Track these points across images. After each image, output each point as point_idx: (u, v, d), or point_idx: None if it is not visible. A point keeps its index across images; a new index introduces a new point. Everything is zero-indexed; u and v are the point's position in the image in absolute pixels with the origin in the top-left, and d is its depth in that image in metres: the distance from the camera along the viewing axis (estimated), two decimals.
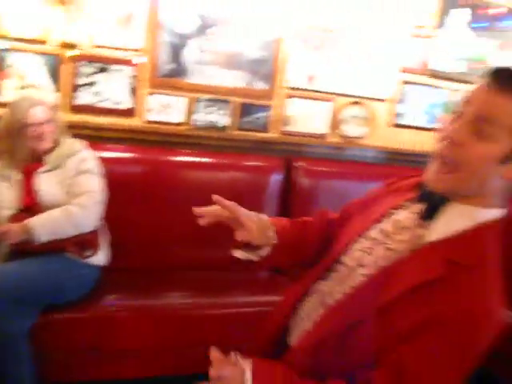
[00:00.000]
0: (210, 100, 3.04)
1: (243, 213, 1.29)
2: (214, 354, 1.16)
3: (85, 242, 2.41)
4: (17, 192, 2.35)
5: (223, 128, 3.11)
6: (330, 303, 1.23)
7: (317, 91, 3.26)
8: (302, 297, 1.37)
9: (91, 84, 2.81)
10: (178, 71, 2.94)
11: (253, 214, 1.31)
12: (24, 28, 2.58)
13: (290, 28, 3.07)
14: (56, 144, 2.47)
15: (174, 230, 2.94)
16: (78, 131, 2.64)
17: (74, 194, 2.41)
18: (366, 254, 1.21)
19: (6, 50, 2.58)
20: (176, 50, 2.90)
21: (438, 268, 1.04)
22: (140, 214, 2.82)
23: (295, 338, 1.32)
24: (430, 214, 1.12)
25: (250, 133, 3.18)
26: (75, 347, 2.40)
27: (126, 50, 2.82)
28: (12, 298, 2.15)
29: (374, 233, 1.23)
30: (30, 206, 2.37)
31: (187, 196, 2.94)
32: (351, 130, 3.40)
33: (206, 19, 2.91)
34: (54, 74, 2.71)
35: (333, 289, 1.26)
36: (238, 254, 1.41)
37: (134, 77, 2.87)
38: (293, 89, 3.20)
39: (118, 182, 2.64)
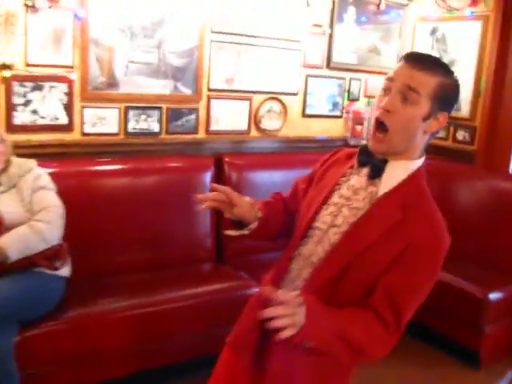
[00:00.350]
0: (140, 108, 3.21)
1: (235, 195, 1.54)
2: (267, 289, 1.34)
3: (54, 255, 2.50)
4: None
5: (155, 134, 3.29)
6: (315, 262, 1.50)
7: (236, 91, 3.54)
8: (287, 263, 1.60)
9: (27, 103, 2.87)
10: (109, 83, 3.09)
11: (241, 195, 1.56)
12: None
13: (206, 36, 3.33)
14: (7, 165, 2.52)
15: (116, 235, 3.06)
16: (19, 151, 2.69)
17: (35, 210, 2.49)
18: (334, 216, 1.50)
19: None
20: (105, 64, 3.03)
21: (396, 212, 1.37)
22: (81, 224, 2.85)
23: None
24: (375, 174, 1.44)
25: (181, 135, 3.40)
26: (55, 358, 2.47)
27: (58, 67, 2.92)
28: (2, 316, 2.22)
29: (335, 199, 1.52)
30: None
31: (127, 201, 3.10)
32: (269, 123, 3.71)
33: (131, 33, 3.07)
34: None
35: (314, 250, 1.51)
36: (232, 232, 1.63)
37: (68, 92, 2.96)
38: (215, 91, 3.44)
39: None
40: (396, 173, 1.42)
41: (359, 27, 3.97)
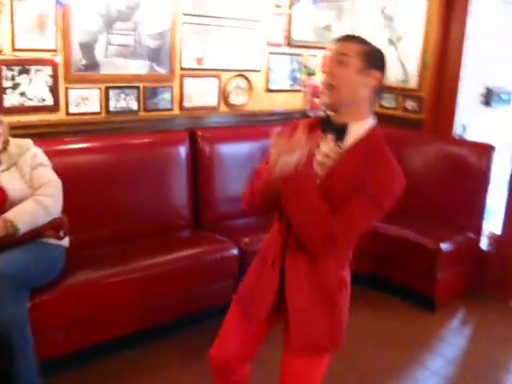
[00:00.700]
0: (119, 88, 3.44)
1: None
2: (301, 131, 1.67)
3: (58, 226, 2.73)
4: None
5: (134, 111, 3.53)
6: None
7: (205, 69, 3.82)
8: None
9: (16, 86, 3.05)
10: (90, 65, 3.30)
11: None
12: None
13: (178, 18, 3.59)
14: (6, 145, 2.72)
15: (101, 209, 3.29)
16: (10, 132, 2.87)
17: (36, 186, 2.70)
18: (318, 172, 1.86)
19: None
20: (87, 47, 3.24)
21: (360, 159, 1.74)
22: (68, 198, 2.94)
23: None
24: (339, 136, 1.78)
25: (157, 112, 3.66)
26: (61, 321, 2.72)
27: (43, 51, 3.11)
28: (14, 285, 2.46)
29: (315, 163, 1.85)
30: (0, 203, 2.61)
31: (110, 176, 3.34)
32: (236, 99, 4.01)
33: (109, 17, 3.28)
34: None
35: None
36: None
37: (53, 75, 3.15)
38: (187, 70, 3.71)
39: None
40: (355, 132, 1.78)
41: (315, 6, 4.28)
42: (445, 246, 3.61)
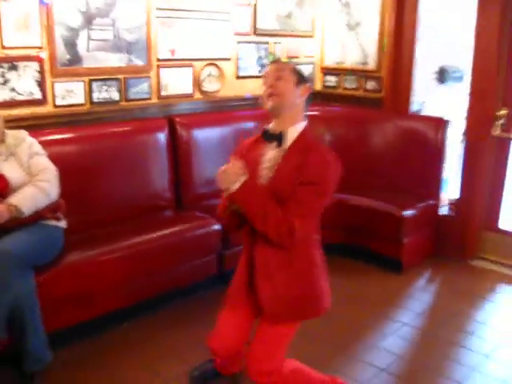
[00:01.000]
0: (101, 80, 3.71)
1: None
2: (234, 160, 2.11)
3: (57, 208, 3.00)
4: None
5: (116, 101, 3.81)
6: None
7: (179, 60, 4.12)
8: None
9: (6, 82, 3.29)
10: (74, 60, 3.56)
11: None
12: None
13: (152, 13, 3.89)
14: (3, 137, 2.96)
15: (89, 194, 3.56)
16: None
17: (33, 173, 2.95)
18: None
19: None
20: (70, 42, 3.50)
21: (296, 159, 2.09)
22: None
23: None
24: (279, 142, 2.14)
25: (137, 102, 3.95)
26: (63, 297, 2.98)
27: (29, 48, 3.37)
28: (22, 264, 2.71)
29: (263, 172, 2.23)
30: (1, 190, 2.85)
31: (96, 163, 3.60)
32: (209, 86, 4.32)
33: (89, 14, 3.54)
34: None
35: None
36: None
37: (40, 70, 3.40)
38: (162, 61, 4.00)
39: None
40: (291, 135, 2.14)
41: None
42: (408, 213, 4.00)
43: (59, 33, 3.45)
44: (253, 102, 4.49)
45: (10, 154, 2.95)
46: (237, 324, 2.38)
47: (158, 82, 4.04)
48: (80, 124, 3.64)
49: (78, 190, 3.44)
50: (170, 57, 4.06)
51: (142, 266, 3.30)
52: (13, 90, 3.35)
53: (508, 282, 4.06)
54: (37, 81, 3.43)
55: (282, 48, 4.82)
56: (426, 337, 3.32)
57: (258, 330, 2.31)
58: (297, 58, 4.95)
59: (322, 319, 2.82)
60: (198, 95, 4.33)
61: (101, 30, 3.64)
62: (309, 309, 2.29)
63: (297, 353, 2.49)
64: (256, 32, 4.57)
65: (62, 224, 3.08)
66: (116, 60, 3.76)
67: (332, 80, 5.12)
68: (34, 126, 3.38)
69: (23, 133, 3.04)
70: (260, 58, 4.66)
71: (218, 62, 4.37)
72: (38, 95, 3.46)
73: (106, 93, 3.76)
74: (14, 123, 3.25)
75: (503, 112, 4.05)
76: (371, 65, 4.77)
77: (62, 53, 3.49)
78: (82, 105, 3.68)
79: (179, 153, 4.03)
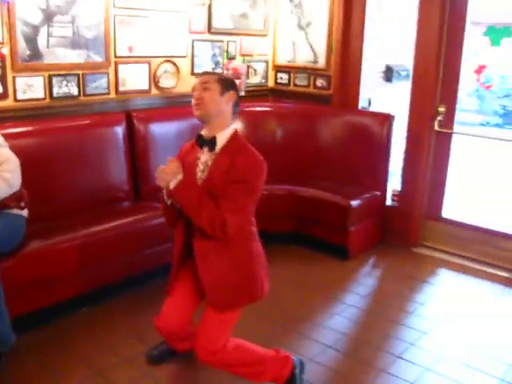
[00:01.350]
0: (61, 75, 3.89)
1: None
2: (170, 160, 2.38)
3: (19, 198, 3.17)
4: None
5: (75, 96, 3.99)
6: None
7: (137, 57, 4.32)
8: None
9: None
10: (34, 56, 3.73)
11: None
12: None
13: (110, 11, 4.09)
14: None
15: (47, 186, 3.72)
16: None
17: None
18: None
19: None
20: (31, 39, 3.66)
21: (226, 161, 2.35)
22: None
23: None
24: (211, 147, 2.40)
25: (96, 97, 4.14)
26: (23, 282, 3.15)
27: None
28: None
29: (199, 174, 2.50)
30: None
31: (55, 156, 3.77)
32: (166, 82, 4.54)
33: (49, 11, 3.71)
34: None
35: None
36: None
37: (1, 65, 3.56)
38: (120, 57, 4.20)
39: None
40: (222, 139, 2.40)
41: None
42: (354, 203, 4.30)
43: (20, 29, 3.62)
44: None
45: None
46: (178, 306, 2.64)
47: (116, 78, 4.24)
48: (40, 118, 3.80)
49: (38, 181, 3.59)
50: (127, 54, 4.26)
51: (100, 254, 3.49)
52: None
53: (448, 267, 4.41)
54: None
55: (236, 46, 5.06)
56: (369, 317, 3.63)
57: (203, 314, 2.56)
58: (250, 55, 5.21)
59: (273, 301, 3.09)
60: (154, 91, 4.54)
61: (60, 26, 3.81)
62: (246, 295, 2.54)
63: (248, 331, 2.76)
64: (211, 31, 4.81)
65: (24, 213, 3.24)
66: (75, 56, 3.95)
67: (284, 77, 5.40)
68: None
69: None
70: (214, 55, 4.89)
71: (174, 59, 4.59)
72: None
73: (66, 88, 3.94)
74: None
75: (441, 109, 4.38)
76: (321, 63, 5.06)
77: (22, 49, 3.66)
78: (42, 99, 3.85)
79: (136, 146, 4.23)
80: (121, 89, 4.28)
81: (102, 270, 3.55)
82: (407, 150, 4.60)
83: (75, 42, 3.92)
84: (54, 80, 3.87)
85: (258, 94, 5.41)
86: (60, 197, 3.79)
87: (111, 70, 4.20)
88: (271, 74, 5.50)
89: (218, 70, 4.95)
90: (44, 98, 3.86)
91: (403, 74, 5.28)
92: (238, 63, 5.03)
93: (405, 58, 5.12)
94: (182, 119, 4.47)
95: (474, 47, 7.41)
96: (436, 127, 4.43)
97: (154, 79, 4.49)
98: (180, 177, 2.32)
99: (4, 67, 3.60)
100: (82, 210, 3.81)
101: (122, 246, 3.61)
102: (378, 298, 3.89)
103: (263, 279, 2.57)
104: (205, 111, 2.36)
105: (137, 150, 4.24)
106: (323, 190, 4.47)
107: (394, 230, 4.73)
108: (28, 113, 3.77)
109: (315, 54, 5.07)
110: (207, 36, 4.81)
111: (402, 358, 3.11)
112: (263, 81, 5.47)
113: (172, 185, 2.30)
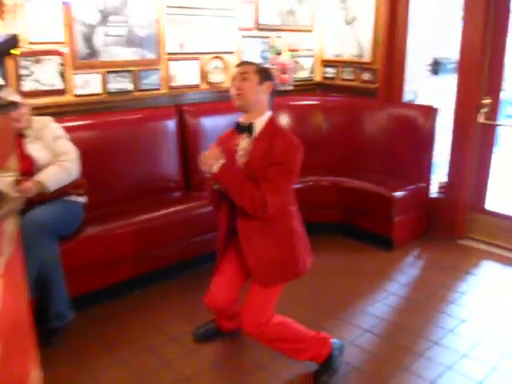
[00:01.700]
0: (116, 72, 4.15)
1: None
2: (213, 146, 2.54)
3: (79, 185, 3.43)
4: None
5: (129, 91, 4.24)
6: None
7: (187, 53, 4.56)
8: None
9: (31, 73, 3.73)
10: (92, 54, 4.00)
11: None
12: None
13: (162, 10, 4.33)
14: (29, 122, 3.39)
15: (106, 176, 4.01)
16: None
17: (57, 154, 3.37)
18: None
19: None
20: (88, 38, 3.93)
21: (264, 144, 2.52)
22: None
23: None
24: (250, 132, 2.56)
25: (149, 92, 4.38)
26: (83, 265, 3.44)
27: (52, 43, 3.80)
28: (49, 231, 3.16)
29: (238, 156, 2.68)
30: (27, 170, 3.27)
31: (113, 148, 4.05)
32: (215, 78, 4.74)
33: (105, 12, 3.97)
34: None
35: None
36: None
37: (62, 63, 3.84)
38: (171, 54, 4.44)
39: None
40: (259, 125, 2.56)
41: None
42: (397, 194, 4.41)
43: (78, 29, 3.89)
44: None
45: (36, 137, 3.37)
46: (225, 283, 2.84)
47: (167, 74, 4.48)
48: (97, 112, 4.08)
49: (96, 170, 3.87)
50: (178, 50, 4.49)
51: (153, 240, 3.75)
52: (37, 81, 3.79)
53: (492, 258, 4.45)
54: (59, 73, 3.87)
55: (284, 42, 5.23)
56: (410, 304, 3.74)
57: (248, 290, 2.75)
58: (297, 51, 5.37)
59: (317, 288, 3.22)
60: (204, 86, 4.77)
61: (116, 26, 4.07)
62: (289, 272, 2.71)
63: (292, 315, 2.89)
64: (259, 27, 4.99)
65: (83, 200, 3.51)
66: (129, 54, 4.20)
67: (331, 72, 5.54)
68: (55, 113, 3.80)
69: (48, 119, 3.47)
70: (262, 51, 5.08)
71: (223, 55, 4.81)
72: (59, 86, 3.91)
73: (120, 84, 4.20)
74: (38, 111, 3.67)
75: (487, 101, 4.43)
76: (367, 57, 5.17)
77: (81, 48, 3.94)
78: (98, 94, 4.12)
79: (187, 139, 4.47)
80: (172, 84, 4.53)
81: (154, 255, 3.80)
82: (453, 142, 4.66)
83: (129, 41, 4.18)
84: (110, 76, 4.15)
85: (306, 88, 5.57)
86: (116, 186, 4.08)
87: (163, 67, 4.45)
88: (318, 68, 5.65)
89: (267, 66, 5.12)
90: (101, 94, 4.14)
91: (450, 67, 5.33)
92: (284, 58, 5.19)
93: (452, 51, 5.17)
94: (230, 113, 4.62)
95: None
96: (481, 119, 4.47)
97: (203, 74, 4.73)
98: (222, 161, 2.49)
99: (64, 65, 3.89)
100: (135, 199, 4.08)
101: (173, 232, 3.85)
102: (420, 287, 3.98)
103: (305, 256, 2.74)
104: (245, 101, 2.52)
105: (187, 142, 4.47)
106: (368, 182, 4.59)
107: (440, 221, 4.79)
108: (86, 107, 4.06)
109: (361, 48, 5.19)
110: (255, 32, 5.00)
111: (439, 344, 3.21)
112: (310, 75, 5.61)
113: (215, 168, 2.46)
